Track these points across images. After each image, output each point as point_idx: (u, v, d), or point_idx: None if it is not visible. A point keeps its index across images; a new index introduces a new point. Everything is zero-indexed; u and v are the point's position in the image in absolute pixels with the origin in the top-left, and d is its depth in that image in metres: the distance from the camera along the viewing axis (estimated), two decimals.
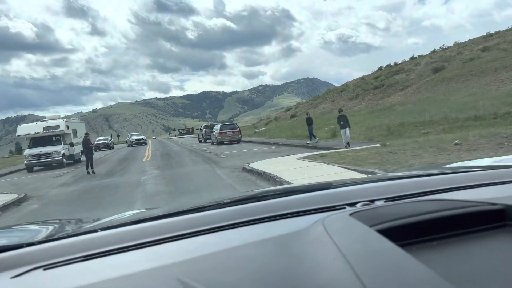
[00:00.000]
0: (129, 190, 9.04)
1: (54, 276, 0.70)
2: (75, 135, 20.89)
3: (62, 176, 14.16)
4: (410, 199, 0.91)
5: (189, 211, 1.02)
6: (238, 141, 25.35)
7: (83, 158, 15.14)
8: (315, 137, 16.99)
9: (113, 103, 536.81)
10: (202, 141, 30.87)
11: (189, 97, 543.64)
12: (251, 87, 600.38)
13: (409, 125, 15.96)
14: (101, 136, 45.84)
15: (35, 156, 18.43)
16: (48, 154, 18.48)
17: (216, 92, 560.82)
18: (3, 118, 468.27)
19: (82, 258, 0.75)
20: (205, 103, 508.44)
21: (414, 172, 1.36)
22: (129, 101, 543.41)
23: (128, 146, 38.97)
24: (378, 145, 12.19)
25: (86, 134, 15.02)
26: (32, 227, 1.27)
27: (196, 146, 26.79)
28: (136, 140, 39.35)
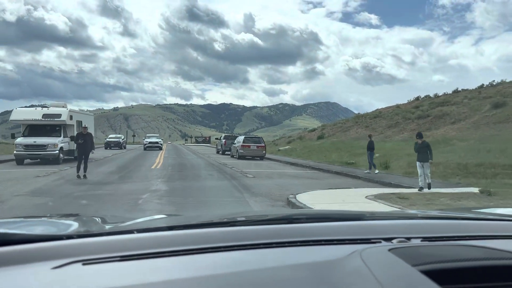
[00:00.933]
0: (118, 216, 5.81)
1: (93, 272, 0.71)
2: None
3: (44, 177, 11.14)
4: (449, 242, 0.90)
5: (221, 223, 1.04)
6: (262, 158, 22.10)
7: (91, 154, 12.06)
8: (375, 167, 13.36)
9: (134, 103, 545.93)
10: (221, 152, 27.73)
11: (209, 106, 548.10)
12: (270, 104, 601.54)
13: (495, 166, 12.32)
14: (117, 134, 44.81)
15: (27, 146, 15.64)
16: (42, 147, 15.66)
17: (236, 105, 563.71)
18: (27, 105, 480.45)
19: (119, 258, 0.75)
20: (223, 115, 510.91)
21: (451, 214, 1.30)
22: (150, 103, 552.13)
23: (144, 149, 32.56)
24: (475, 190, 8.69)
25: (84, 127, 12.03)
26: (60, 220, 1.26)
27: (214, 157, 23.70)
28: (150, 143, 32.67)
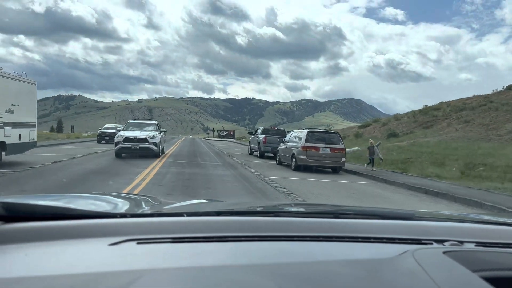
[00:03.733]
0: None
1: (147, 252, 0.72)
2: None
3: None
4: (506, 249, 0.86)
5: (268, 213, 1.04)
6: (338, 170, 12.48)
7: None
8: None
9: (158, 96, 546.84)
10: (258, 154, 18.18)
11: (231, 101, 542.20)
12: (292, 100, 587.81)
13: None
14: (117, 124, 30.48)
15: None
16: None
17: (258, 99, 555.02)
18: (55, 95, 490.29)
19: (171, 240, 0.77)
20: (246, 109, 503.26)
21: (505, 219, 1.22)
22: (173, 96, 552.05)
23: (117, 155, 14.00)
24: None
25: None
26: (113, 198, 1.26)
27: (247, 162, 14.31)
28: (128, 140, 13.47)
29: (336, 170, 12.45)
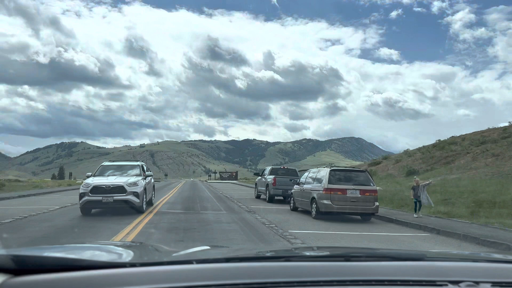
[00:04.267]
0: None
1: None
2: None
3: None
4: None
5: (277, 258, 1.03)
6: (369, 216, 10.17)
7: None
8: None
9: (160, 140, 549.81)
10: (266, 198, 15.75)
11: (232, 142, 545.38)
12: (292, 140, 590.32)
13: None
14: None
15: None
16: None
17: (260, 140, 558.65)
18: (58, 143, 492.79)
19: None
20: (247, 150, 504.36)
21: None
22: (175, 140, 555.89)
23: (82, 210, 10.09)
24: None
25: None
26: (113, 248, 1.24)
27: (256, 208, 11.94)
28: (97, 191, 9.57)
29: (367, 217, 10.11)
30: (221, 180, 58.59)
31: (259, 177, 17.96)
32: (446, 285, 0.82)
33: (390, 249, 1.54)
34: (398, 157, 34.68)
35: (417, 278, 0.85)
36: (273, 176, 15.70)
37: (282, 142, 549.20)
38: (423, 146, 34.84)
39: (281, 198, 15.45)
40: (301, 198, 11.51)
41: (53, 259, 0.91)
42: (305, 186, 11.30)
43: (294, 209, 12.17)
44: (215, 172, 74.78)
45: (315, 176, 10.95)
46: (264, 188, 16.39)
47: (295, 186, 12.40)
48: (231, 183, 45.98)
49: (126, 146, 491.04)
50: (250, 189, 26.23)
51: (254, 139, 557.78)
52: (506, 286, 0.85)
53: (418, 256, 1.09)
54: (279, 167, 17.60)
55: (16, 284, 0.74)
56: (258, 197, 17.82)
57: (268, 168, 17.21)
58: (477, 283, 0.83)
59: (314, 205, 10.23)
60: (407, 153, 34.99)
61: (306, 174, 12.09)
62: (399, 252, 1.20)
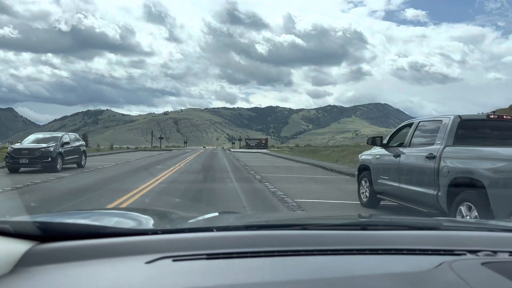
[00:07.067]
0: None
1: (184, 269, 0.72)
2: None
3: None
4: None
5: (294, 226, 1.02)
6: None
7: None
8: None
9: (182, 108, 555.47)
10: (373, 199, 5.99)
11: (255, 109, 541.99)
12: (316, 106, 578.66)
13: None
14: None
15: None
16: None
17: (283, 107, 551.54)
18: (84, 110, 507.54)
19: (206, 256, 0.77)
20: (270, 118, 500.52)
21: None
22: (197, 107, 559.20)
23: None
24: None
25: None
26: (135, 215, 1.24)
27: None
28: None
29: None
30: (248, 148, 55.06)
31: (383, 149, 5.95)
32: (465, 254, 0.82)
33: (405, 217, 1.38)
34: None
35: (435, 247, 0.84)
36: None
37: (305, 109, 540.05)
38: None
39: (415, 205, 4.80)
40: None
41: (77, 226, 0.93)
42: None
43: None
44: (239, 139, 72.81)
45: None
46: (387, 183, 5.54)
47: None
48: (262, 152, 38.35)
49: (150, 113, 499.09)
50: (297, 164, 18.38)
51: (277, 106, 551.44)
52: None
53: (434, 225, 1.09)
54: (481, 115, 5.47)
55: (42, 250, 0.76)
56: (363, 197, 6.47)
57: (395, 130, 6.17)
58: (495, 252, 0.83)
59: None
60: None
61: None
62: (415, 221, 1.21)
